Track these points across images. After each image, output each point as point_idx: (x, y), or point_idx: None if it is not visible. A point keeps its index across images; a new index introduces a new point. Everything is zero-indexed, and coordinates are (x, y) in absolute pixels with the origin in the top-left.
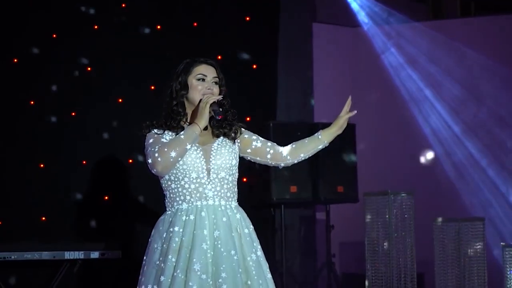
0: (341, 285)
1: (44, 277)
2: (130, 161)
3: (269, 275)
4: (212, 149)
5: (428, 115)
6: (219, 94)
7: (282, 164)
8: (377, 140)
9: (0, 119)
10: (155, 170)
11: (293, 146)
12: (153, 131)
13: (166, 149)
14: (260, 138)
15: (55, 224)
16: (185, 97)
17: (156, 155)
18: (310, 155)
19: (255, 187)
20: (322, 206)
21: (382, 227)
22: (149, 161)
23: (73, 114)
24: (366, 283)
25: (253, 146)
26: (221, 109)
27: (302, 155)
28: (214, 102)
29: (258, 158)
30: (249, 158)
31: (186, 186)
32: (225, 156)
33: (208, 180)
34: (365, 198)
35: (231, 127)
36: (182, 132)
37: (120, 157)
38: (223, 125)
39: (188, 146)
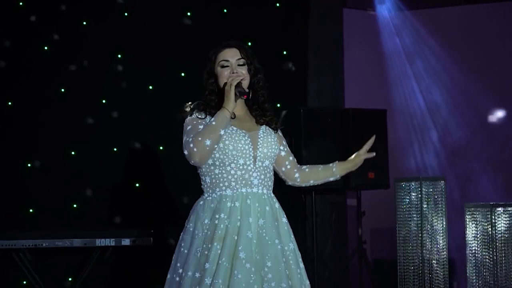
0: (372, 271)
1: (75, 264)
2: (161, 148)
3: (302, 264)
4: (259, 136)
5: (457, 99)
6: (249, 73)
7: (290, 183)
8: (408, 125)
9: (30, 107)
10: (192, 161)
11: (306, 170)
12: (194, 115)
13: (200, 138)
14: (287, 147)
15: (86, 211)
16: (214, 85)
17: (191, 145)
18: (319, 184)
19: None
20: (353, 192)
21: (414, 213)
22: (185, 152)
23: (104, 102)
24: (398, 269)
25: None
26: (247, 90)
27: (312, 181)
28: (238, 83)
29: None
30: None
31: (232, 172)
32: (271, 145)
33: (254, 167)
34: (396, 184)
35: (272, 116)
36: (213, 118)
37: (151, 144)
38: (263, 109)
39: (222, 132)
